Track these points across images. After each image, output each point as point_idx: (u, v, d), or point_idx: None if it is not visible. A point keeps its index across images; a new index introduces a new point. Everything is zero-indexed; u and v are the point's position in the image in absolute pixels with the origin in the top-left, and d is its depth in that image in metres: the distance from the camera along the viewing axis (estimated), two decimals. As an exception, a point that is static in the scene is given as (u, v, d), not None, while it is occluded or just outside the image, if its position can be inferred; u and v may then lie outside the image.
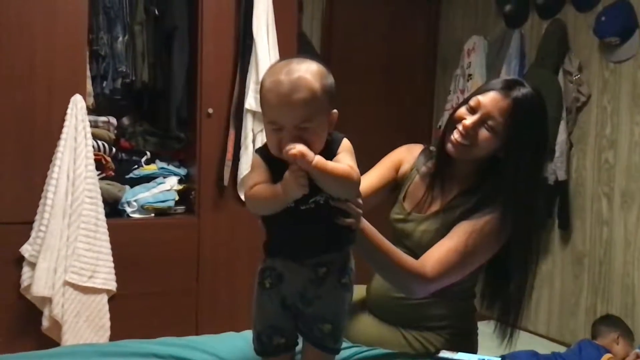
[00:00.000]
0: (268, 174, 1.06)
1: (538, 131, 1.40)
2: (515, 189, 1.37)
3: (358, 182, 1.07)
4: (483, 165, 1.44)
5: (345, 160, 1.05)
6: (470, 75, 3.69)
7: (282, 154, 1.01)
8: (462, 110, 1.41)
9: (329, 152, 1.07)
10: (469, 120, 1.37)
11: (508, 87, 1.38)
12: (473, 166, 1.46)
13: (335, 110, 1.07)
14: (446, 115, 3.85)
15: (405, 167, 1.59)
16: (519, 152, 1.37)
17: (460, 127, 1.38)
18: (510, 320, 1.45)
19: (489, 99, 1.37)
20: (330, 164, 1.02)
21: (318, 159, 1.00)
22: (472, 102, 1.39)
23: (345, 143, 1.08)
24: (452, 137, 1.40)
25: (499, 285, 1.47)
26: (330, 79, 1.06)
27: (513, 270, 1.42)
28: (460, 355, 1.36)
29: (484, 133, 1.37)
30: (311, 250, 1.08)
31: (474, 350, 1.53)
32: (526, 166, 1.38)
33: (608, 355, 2.55)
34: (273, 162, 1.06)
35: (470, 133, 1.37)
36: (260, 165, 1.08)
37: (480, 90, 1.42)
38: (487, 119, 1.36)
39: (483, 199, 1.40)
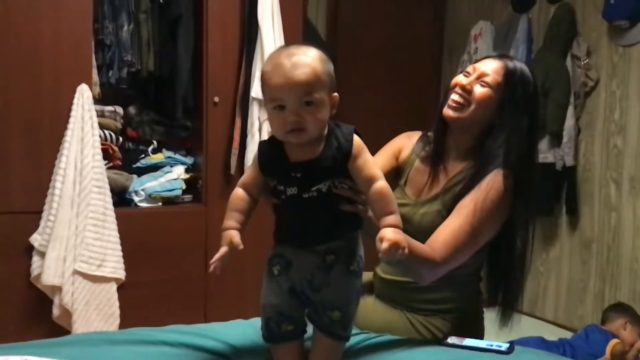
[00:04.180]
0: (255, 175, 1.14)
1: (531, 97, 1.45)
2: (511, 150, 1.39)
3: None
4: (480, 138, 1.46)
5: (369, 164, 1.07)
6: (477, 61, 3.65)
7: (287, 138, 1.05)
8: (459, 77, 1.48)
9: (334, 140, 1.07)
10: (465, 80, 1.44)
11: (502, 55, 1.50)
12: (471, 139, 1.47)
13: (336, 94, 1.09)
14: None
15: (405, 154, 1.61)
16: (514, 112, 1.40)
17: (457, 88, 1.44)
18: (510, 303, 1.46)
19: (483, 63, 1.47)
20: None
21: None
22: (468, 69, 1.48)
23: (358, 142, 1.08)
24: (449, 101, 1.45)
25: (498, 266, 1.48)
26: (330, 65, 1.08)
27: (510, 245, 1.43)
28: (468, 341, 1.36)
29: (480, 89, 1.42)
30: (317, 237, 1.09)
31: (480, 335, 1.53)
32: (522, 131, 1.41)
33: (615, 340, 2.54)
34: (272, 153, 1.10)
35: (467, 89, 1.42)
36: (254, 164, 1.14)
37: (476, 61, 1.53)
38: (482, 77, 1.43)
39: (479, 170, 1.41)
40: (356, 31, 3.92)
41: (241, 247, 1.09)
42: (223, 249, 1.09)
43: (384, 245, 1.01)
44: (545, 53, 3.28)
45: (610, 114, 3.16)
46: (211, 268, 1.08)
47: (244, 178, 1.16)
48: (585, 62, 3.21)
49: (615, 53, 3.13)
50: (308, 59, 1.04)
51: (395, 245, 1.01)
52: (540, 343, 2.54)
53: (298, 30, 3.02)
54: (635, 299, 3.00)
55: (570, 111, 3.18)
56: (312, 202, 1.07)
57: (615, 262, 3.14)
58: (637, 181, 3.04)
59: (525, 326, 1.50)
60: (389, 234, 1.02)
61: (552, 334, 2.93)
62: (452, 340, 1.37)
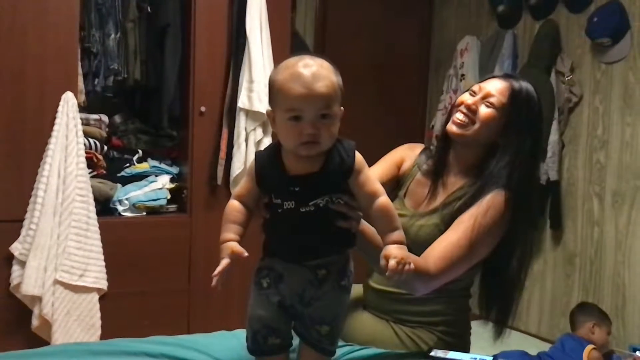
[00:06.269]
0: (251, 187, 1.11)
1: (536, 118, 1.45)
2: (514, 172, 1.39)
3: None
4: (482, 157, 1.46)
5: (370, 180, 1.08)
6: (463, 75, 3.70)
7: (298, 149, 1.03)
8: (465, 96, 1.48)
9: (337, 156, 1.06)
10: (471, 99, 1.44)
11: (508, 75, 1.49)
12: (473, 156, 1.48)
13: (342, 107, 1.09)
14: (439, 115, 3.86)
15: (407, 165, 1.61)
16: (518, 134, 1.41)
17: (462, 107, 1.45)
18: (504, 320, 1.46)
19: (489, 83, 1.46)
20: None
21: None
22: (474, 88, 1.47)
23: (360, 158, 1.08)
24: (454, 117, 1.46)
25: (493, 284, 1.48)
26: (340, 78, 1.08)
27: (507, 264, 1.43)
28: (452, 354, 1.36)
29: (484, 109, 1.43)
30: (311, 252, 1.08)
31: (466, 349, 1.53)
32: (525, 153, 1.41)
33: (590, 346, 2.57)
34: (270, 165, 1.08)
35: (472, 108, 1.43)
36: (249, 175, 1.12)
37: (482, 80, 1.51)
38: (487, 97, 1.43)
39: (481, 188, 1.41)
40: (343, 44, 3.94)
41: (245, 254, 1.06)
42: (224, 262, 1.06)
43: (392, 262, 1.01)
44: (530, 69, 3.32)
45: (593, 129, 3.21)
46: (213, 282, 1.05)
47: (238, 189, 1.14)
48: (569, 78, 3.26)
49: (598, 70, 3.18)
50: (326, 72, 1.04)
51: (402, 262, 1.02)
52: (521, 356, 2.55)
53: (286, 42, 3.03)
54: (617, 313, 3.03)
55: (554, 126, 3.23)
56: (308, 217, 1.06)
57: (598, 276, 3.17)
58: (619, 196, 3.08)
59: (509, 339, 1.50)
60: (395, 251, 1.02)
61: (536, 347, 2.94)
62: (436, 353, 1.37)
